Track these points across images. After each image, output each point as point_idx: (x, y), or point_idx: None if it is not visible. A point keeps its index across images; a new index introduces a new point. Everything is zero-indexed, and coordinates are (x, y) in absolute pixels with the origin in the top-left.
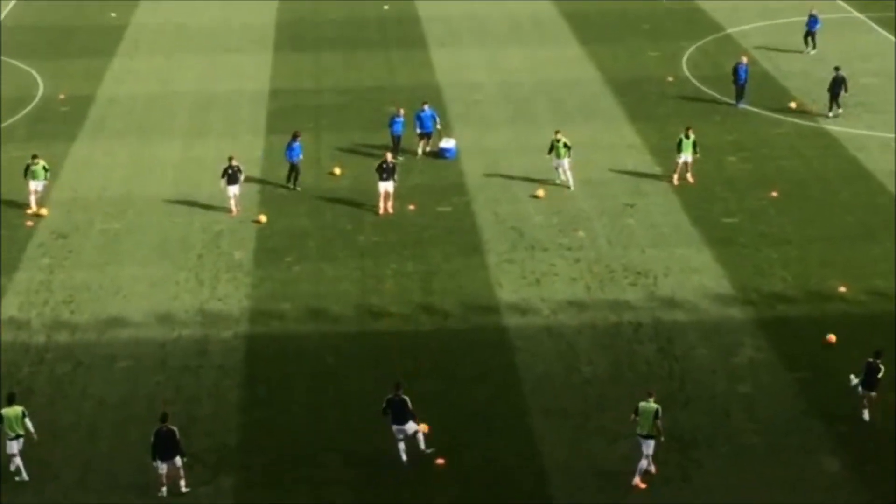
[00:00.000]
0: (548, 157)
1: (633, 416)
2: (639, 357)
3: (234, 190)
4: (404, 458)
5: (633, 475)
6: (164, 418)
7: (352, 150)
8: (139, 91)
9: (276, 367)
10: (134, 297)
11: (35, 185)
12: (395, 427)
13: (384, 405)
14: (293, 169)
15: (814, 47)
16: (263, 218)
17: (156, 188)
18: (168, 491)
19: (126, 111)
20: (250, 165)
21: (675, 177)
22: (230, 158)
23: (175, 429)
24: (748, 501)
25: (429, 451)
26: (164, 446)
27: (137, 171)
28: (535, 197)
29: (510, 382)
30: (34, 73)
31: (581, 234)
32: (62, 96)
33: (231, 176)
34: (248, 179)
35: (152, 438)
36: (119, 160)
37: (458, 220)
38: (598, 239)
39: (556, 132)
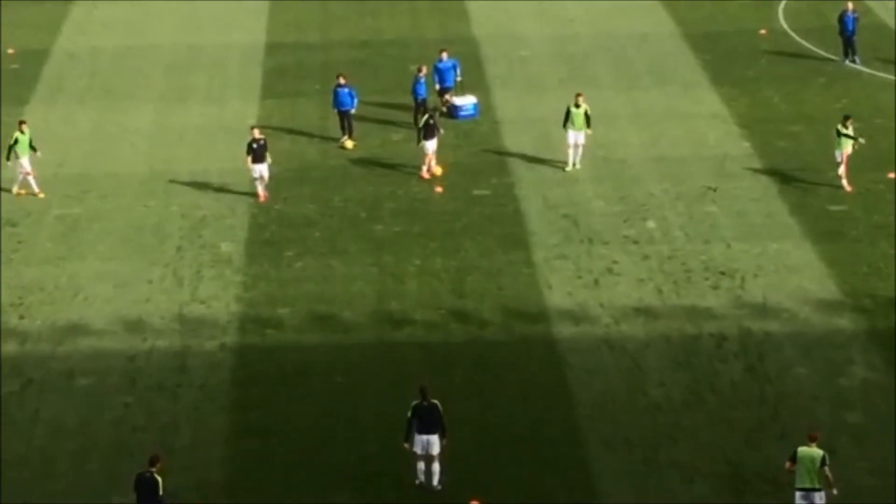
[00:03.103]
0: (564, 130)
1: (788, 463)
2: (722, 377)
3: (261, 169)
4: (421, 478)
5: None
6: (152, 462)
7: (367, 119)
8: (105, 44)
9: (271, 387)
10: (97, 299)
11: (24, 162)
12: (419, 437)
13: (409, 413)
14: (345, 118)
15: None
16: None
17: (124, 164)
18: None
19: (89, 69)
20: (241, 136)
21: (845, 182)
22: (252, 129)
23: (159, 479)
24: None
25: (438, 488)
26: (141, 497)
27: (102, 143)
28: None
29: (562, 406)
30: None
31: (651, 224)
32: (11, 51)
33: (256, 152)
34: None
35: (133, 481)
36: (80, 130)
37: (497, 206)
38: (672, 230)
39: (578, 95)
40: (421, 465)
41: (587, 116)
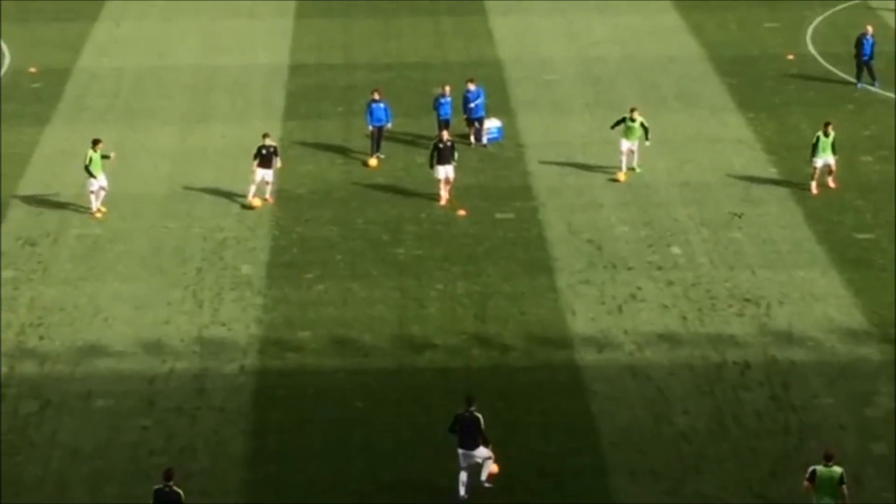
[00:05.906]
0: (614, 131)
1: (806, 483)
2: (747, 406)
3: (265, 174)
4: (462, 492)
5: None
6: (167, 475)
7: (391, 140)
8: (127, 64)
9: (291, 411)
10: (116, 320)
11: (95, 181)
12: (461, 451)
13: (451, 422)
14: (379, 134)
15: None
16: (257, 202)
17: (145, 185)
18: None
19: (110, 89)
20: None
21: (814, 184)
22: (264, 136)
23: (181, 493)
24: None
25: (487, 484)
26: None
27: (123, 163)
28: (615, 181)
29: (585, 434)
30: None
31: (675, 250)
32: (33, 69)
33: (264, 157)
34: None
35: (151, 501)
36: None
37: (521, 231)
38: (697, 257)
39: (633, 110)
40: (463, 476)
41: (644, 128)
